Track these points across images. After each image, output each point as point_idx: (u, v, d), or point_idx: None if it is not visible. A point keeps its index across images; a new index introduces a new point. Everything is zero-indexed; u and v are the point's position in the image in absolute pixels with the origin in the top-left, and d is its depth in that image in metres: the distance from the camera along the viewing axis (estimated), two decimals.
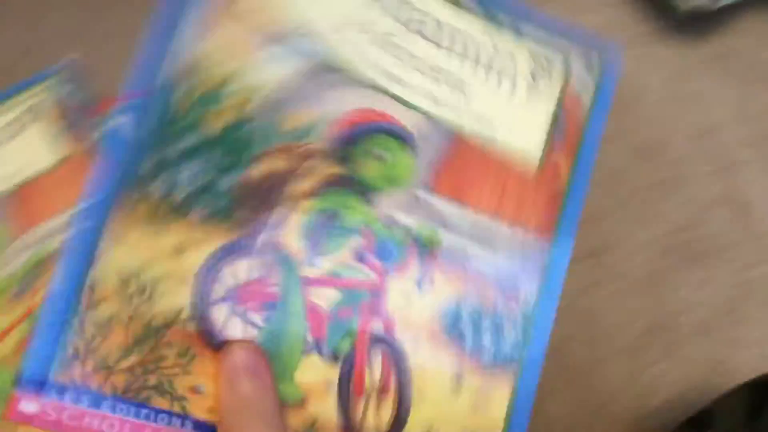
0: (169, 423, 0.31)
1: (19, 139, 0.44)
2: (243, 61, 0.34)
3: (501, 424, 0.37)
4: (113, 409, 0.30)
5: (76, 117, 0.44)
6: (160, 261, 0.32)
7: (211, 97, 0.33)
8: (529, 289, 0.38)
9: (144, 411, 0.30)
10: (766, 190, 0.58)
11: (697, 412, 0.44)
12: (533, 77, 0.40)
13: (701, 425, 0.42)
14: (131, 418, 0.30)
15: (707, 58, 0.61)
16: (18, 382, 0.29)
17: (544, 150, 0.40)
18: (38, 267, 0.39)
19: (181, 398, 0.31)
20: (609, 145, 0.48)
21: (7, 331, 0.38)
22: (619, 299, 0.53)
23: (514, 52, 0.40)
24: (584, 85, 0.41)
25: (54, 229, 0.41)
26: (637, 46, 0.60)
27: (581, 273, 0.52)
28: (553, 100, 0.40)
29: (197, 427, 0.31)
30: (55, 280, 0.30)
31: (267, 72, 0.35)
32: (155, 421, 0.30)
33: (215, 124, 0.33)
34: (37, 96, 0.44)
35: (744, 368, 0.51)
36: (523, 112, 0.39)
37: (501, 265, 0.37)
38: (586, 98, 0.41)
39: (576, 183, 0.40)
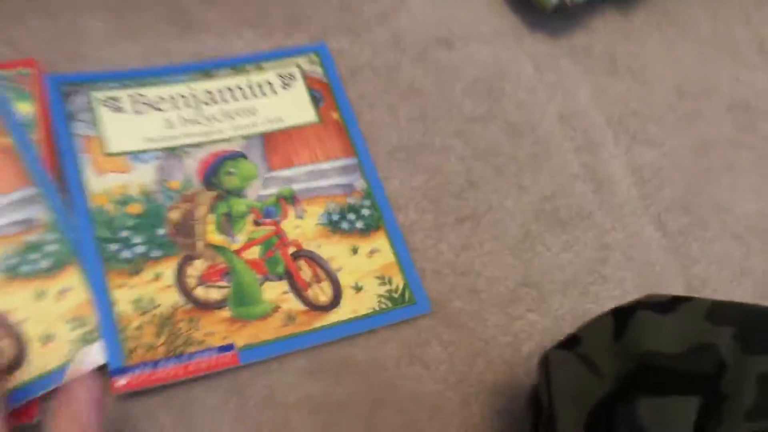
0: (201, 356, 0.50)
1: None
2: (125, 175, 0.56)
3: (395, 260, 0.58)
4: (167, 363, 0.50)
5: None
6: (149, 286, 0.52)
7: (126, 200, 0.55)
8: (360, 184, 0.60)
9: (184, 357, 0.50)
10: (621, 167, 0.67)
11: (566, 337, 0.46)
12: (285, 85, 0.64)
13: (570, 346, 0.45)
14: (178, 364, 0.50)
15: (570, 51, 0.72)
16: (109, 372, 0.48)
17: (317, 113, 0.63)
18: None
19: (201, 342, 0.51)
20: (486, 124, 0.66)
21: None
22: (496, 258, 0.60)
23: (265, 79, 0.64)
24: (315, 71, 0.65)
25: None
26: (510, 38, 0.71)
27: (462, 233, 0.61)
28: (304, 88, 0.64)
29: (220, 350, 0.51)
30: (99, 318, 0.50)
31: (143, 173, 0.57)
32: (192, 358, 0.50)
33: (133, 211, 0.55)
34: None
35: None
36: (291, 103, 0.63)
37: (336, 182, 0.60)
38: (323, 78, 0.65)
39: (348, 120, 0.64)
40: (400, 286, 0.57)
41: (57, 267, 0.51)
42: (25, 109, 0.57)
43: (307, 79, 0.65)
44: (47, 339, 0.49)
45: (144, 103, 0.60)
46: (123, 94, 0.60)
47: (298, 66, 0.65)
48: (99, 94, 0.59)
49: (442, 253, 0.60)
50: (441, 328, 0.57)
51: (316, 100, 0.64)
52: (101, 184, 0.55)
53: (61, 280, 0.51)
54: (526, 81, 0.70)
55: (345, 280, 0.56)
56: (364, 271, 0.57)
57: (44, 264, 0.51)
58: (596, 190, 0.66)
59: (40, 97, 0.58)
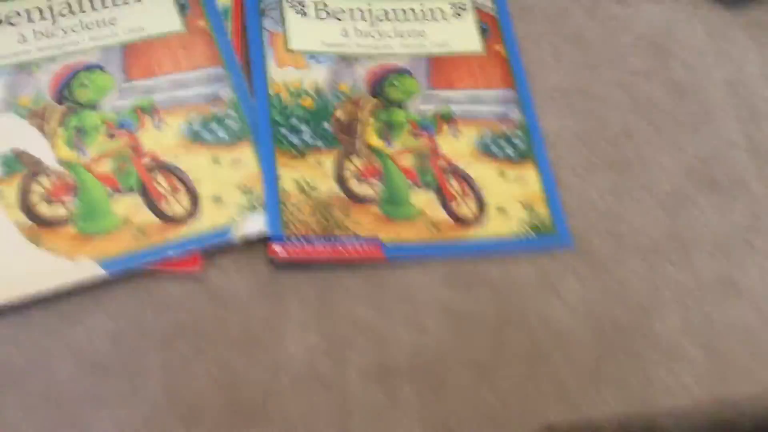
0: (350, 241, 0.53)
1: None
2: (301, 72, 0.60)
3: (541, 191, 0.59)
4: (319, 241, 0.53)
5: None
6: (311, 171, 0.56)
7: (300, 93, 0.59)
8: (516, 117, 0.62)
9: (334, 239, 0.53)
10: None
11: None
12: (456, 14, 0.66)
13: None
14: (328, 244, 0.53)
15: (745, 23, 0.71)
16: (269, 238, 0.52)
17: (483, 44, 0.65)
18: (137, 113, 0.55)
19: (350, 229, 0.54)
20: (649, 79, 0.66)
21: (104, 156, 0.53)
22: (643, 207, 0.60)
23: (438, 5, 0.66)
24: (485, 5, 0.67)
25: (160, 85, 0.57)
26: (689, 4, 0.71)
27: (611, 178, 0.61)
28: (473, 19, 0.66)
29: (367, 240, 0.54)
30: (265, 190, 0.54)
31: (317, 73, 0.60)
32: (343, 242, 0.53)
33: (305, 104, 0.58)
34: None
35: (756, 286, 0.58)
36: (459, 31, 0.65)
37: (493, 110, 0.62)
38: (493, 12, 0.67)
39: (511, 54, 0.65)
40: (545, 217, 0.58)
41: (233, 139, 0.56)
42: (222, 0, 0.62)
43: (478, 11, 0.67)
44: (217, 200, 0.53)
45: (326, 11, 0.63)
46: (308, 0, 0.63)
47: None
48: None
49: (587, 193, 0.61)
50: (578, 263, 0.58)
51: (483, 32, 0.65)
52: (281, 75, 0.59)
53: (236, 151, 0.55)
54: (695, 44, 0.69)
55: (491, 199, 0.58)
56: (509, 195, 0.58)
57: (223, 135, 0.56)
58: (756, 160, 0.65)
59: None
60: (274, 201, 0.54)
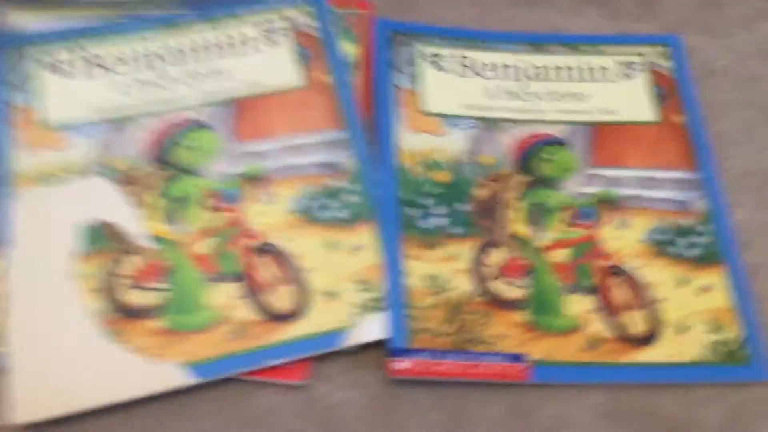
0: (490, 359, 0.42)
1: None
2: (436, 139, 0.50)
3: (731, 304, 0.46)
4: (452, 357, 0.42)
5: (309, 51, 0.51)
6: (444, 265, 0.45)
7: (434, 165, 0.49)
8: (698, 205, 0.50)
9: (471, 355, 0.42)
10: None
11: None
12: (624, 74, 0.55)
13: None
14: (464, 361, 0.42)
15: None
16: (389, 351, 0.42)
17: (657, 112, 0.53)
18: (243, 184, 0.47)
19: (493, 343, 0.43)
20: None
21: (204, 235, 0.45)
22: None
23: (600, 64, 0.55)
24: (661, 65, 0.55)
25: (273, 150, 0.48)
26: None
27: None
28: (645, 82, 0.55)
29: (507, 358, 0.43)
30: (388, 287, 0.44)
31: (456, 140, 0.50)
32: (480, 359, 0.42)
33: (440, 179, 0.48)
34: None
35: None
36: (627, 95, 0.54)
37: (668, 196, 0.50)
38: (671, 74, 0.55)
39: (694, 126, 0.53)
40: (735, 340, 0.45)
41: (353, 220, 0.46)
42: (349, 49, 0.53)
43: (652, 72, 0.55)
44: (331, 295, 0.44)
45: (468, 66, 0.54)
46: (448, 53, 0.54)
47: (641, 56, 0.56)
48: (425, 49, 0.54)
49: None
50: None
51: (658, 97, 0.54)
52: (411, 143, 0.50)
53: (355, 235, 0.46)
54: None
55: (668, 314, 0.46)
56: (691, 310, 0.46)
57: (341, 214, 0.46)
58: None
59: (366, 40, 0.53)
60: (398, 303, 0.44)
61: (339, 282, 0.44)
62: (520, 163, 0.50)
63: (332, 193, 0.47)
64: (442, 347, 0.43)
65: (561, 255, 0.47)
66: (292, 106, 0.50)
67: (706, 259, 0.48)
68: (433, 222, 0.47)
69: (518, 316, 0.45)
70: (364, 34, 0.54)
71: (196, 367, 0.41)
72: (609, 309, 0.46)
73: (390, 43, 0.54)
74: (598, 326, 0.45)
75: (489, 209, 0.48)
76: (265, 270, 0.44)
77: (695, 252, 0.48)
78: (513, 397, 0.44)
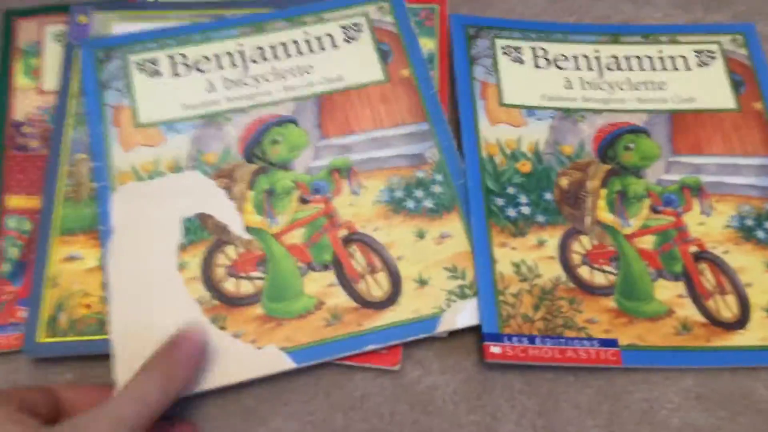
0: (581, 344, 0.43)
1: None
2: (517, 130, 0.51)
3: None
4: (543, 342, 0.43)
5: (389, 46, 0.53)
6: (531, 252, 0.46)
7: (516, 155, 0.49)
8: None
9: (562, 340, 0.43)
10: None
11: None
12: (701, 62, 0.55)
13: None
14: (556, 346, 0.43)
15: None
16: (483, 336, 0.43)
17: (736, 100, 0.53)
18: (333, 175, 0.48)
19: (582, 328, 0.44)
20: None
21: (296, 225, 0.46)
22: None
23: (679, 53, 0.55)
24: (738, 53, 0.55)
25: (358, 143, 0.49)
26: None
27: None
28: (723, 69, 0.55)
29: (601, 343, 0.43)
30: (478, 274, 0.45)
31: (536, 131, 0.51)
32: (571, 344, 0.43)
33: (523, 168, 0.49)
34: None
35: None
36: (705, 83, 0.54)
37: (754, 183, 0.50)
38: (747, 62, 0.55)
39: None
40: None
41: (440, 209, 0.47)
42: (427, 45, 0.54)
43: (728, 60, 0.55)
44: (422, 282, 0.45)
45: (545, 59, 0.54)
46: (525, 46, 0.55)
47: (719, 44, 0.55)
48: (501, 42, 0.54)
49: None
50: None
51: (736, 85, 0.54)
52: (494, 133, 0.50)
53: (442, 224, 0.47)
54: None
55: (756, 298, 0.46)
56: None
57: (428, 203, 0.47)
58: None
59: (443, 35, 0.55)
60: (488, 289, 0.45)
61: (429, 270, 0.45)
62: (601, 151, 0.51)
63: (418, 184, 0.48)
64: (534, 332, 0.43)
65: (647, 241, 0.47)
66: (375, 101, 0.51)
67: None
68: (518, 210, 0.48)
69: (607, 302, 0.45)
70: (440, 29, 0.55)
71: (294, 352, 0.42)
72: (698, 294, 0.46)
73: (467, 37, 0.54)
74: (688, 311, 0.45)
75: (572, 197, 0.49)
76: (356, 259, 0.46)
77: None
78: (603, 382, 0.44)
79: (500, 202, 0.48)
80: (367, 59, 0.53)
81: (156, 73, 0.52)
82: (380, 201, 0.47)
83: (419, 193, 0.48)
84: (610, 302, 0.45)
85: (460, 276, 0.45)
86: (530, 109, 0.52)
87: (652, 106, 0.53)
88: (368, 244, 0.46)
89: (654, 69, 0.54)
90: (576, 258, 0.46)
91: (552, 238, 0.47)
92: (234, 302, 0.44)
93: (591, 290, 0.45)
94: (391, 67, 0.53)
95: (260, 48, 0.53)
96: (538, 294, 0.45)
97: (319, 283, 0.45)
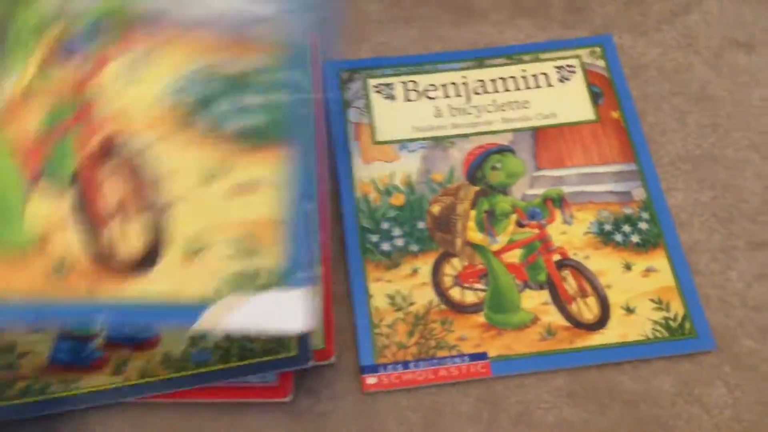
0: (453, 361, 0.47)
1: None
2: (390, 165, 0.55)
3: (674, 283, 0.51)
4: (417, 366, 0.47)
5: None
6: (405, 282, 0.50)
7: (390, 190, 0.54)
8: (638, 194, 0.54)
9: (435, 360, 0.47)
10: None
11: None
12: (562, 78, 0.59)
13: None
14: (429, 367, 0.47)
15: None
16: (361, 369, 0.47)
17: (595, 111, 0.58)
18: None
19: (454, 346, 0.48)
20: None
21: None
22: None
23: (541, 70, 0.59)
24: (596, 65, 0.60)
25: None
26: None
27: (757, 261, 0.52)
28: (583, 83, 0.59)
29: (472, 357, 0.48)
30: (356, 310, 0.49)
31: (409, 163, 0.55)
32: (444, 363, 0.47)
33: (396, 202, 0.53)
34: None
35: None
36: (567, 98, 0.58)
37: (611, 188, 0.54)
38: (606, 73, 0.59)
39: (630, 120, 0.57)
40: (679, 315, 0.50)
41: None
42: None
43: (588, 73, 0.59)
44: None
45: (415, 91, 0.58)
46: (396, 81, 0.59)
47: (578, 58, 0.60)
48: (373, 81, 0.59)
49: (730, 281, 0.52)
50: (726, 368, 0.49)
51: (595, 97, 0.58)
52: (368, 172, 0.55)
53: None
54: None
55: (614, 298, 0.50)
56: (637, 292, 0.50)
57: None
58: None
59: (317, 77, 0.58)
60: (365, 325, 0.49)
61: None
62: (471, 174, 0.55)
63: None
64: (408, 358, 0.48)
65: (514, 255, 0.52)
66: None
67: (648, 244, 0.52)
68: (392, 243, 0.52)
69: (478, 318, 0.49)
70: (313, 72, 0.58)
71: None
72: (561, 299, 0.50)
73: (340, 81, 0.58)
74: (552, 317, 0.50)
75: (444, 222, 0.53)
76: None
77: (637, 238, 0.52)
78: (481, 390, 0.48)
79: (375, 238, 0.52)
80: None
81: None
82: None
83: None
84: (480, 318, 0.49)
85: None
86: (402, 143, 0.56)
87: (516, 125, 0.57)
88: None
89: (518, 88, 0.59)
90: (448, 280, 0.51)
91: (425, 265, 0.51)
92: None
93: (462, 309, 0.50)
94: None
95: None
96: (412, 321, 0.49)
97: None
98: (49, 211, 0.34)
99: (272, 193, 0.38)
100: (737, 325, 0.50)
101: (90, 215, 0.33)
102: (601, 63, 0.60)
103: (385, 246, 0.51)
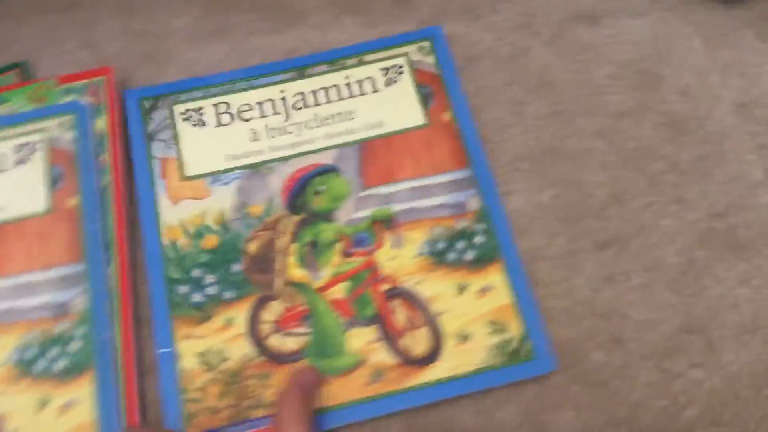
0: (265, 423, 0.43)
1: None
2: (201, 203, 0.50)
3: (512, 301, 0.47)
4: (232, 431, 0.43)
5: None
6: (218, 336, 0.46)
7: (201, 232, 0.49)
8: (473, 203, 0.50)
9: (248, 423, 0.43)
10: None
11: None
12: (389, 80, 0.54)
13: None
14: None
15: (753, 19, 0.56)
16: None
17: (425, 114, 0.53)
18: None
19: (271, 404, 0.44)
20: (638, 120, 0.52)
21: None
22: (648, 294, 0.48)
23: (366, 74, 0.54)
24: (425, 62, 0.55)
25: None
26: (673, 7, 0.56)
27: (605, 262, 0.49)
28: (411, 84, 0.54)
29: None
30: (162, 375, 0.44)
31: (222, 198, 0.50)
32: (259, 425, 0.43)
33: (208, 245, 0.48)
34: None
35: None
36: (395, 102, 0.53)
37: (444, 201, 0.50)
38: (435, 70, 0.54)
39: (462, 121, 0.53)
40: (517, 336, 0.46)
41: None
42: (98, 125, 0.52)
43: (416, 72, 0.54)
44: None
45: (228, 113, 0.53)
46: (207, 104, 0.53)
47: (406, 56, 0.55)
48: (180, 107, 0.53)
49: (576, 289, 0.48)
50: (575, 388, 0.46)
51: (425, 98, 0.53)
52: (176, 214, 0.49)
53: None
54: (693, 61, 0.55)
55: (448, 326, 0.46)
56: (472, 316, 0.46)
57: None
58: None
59: (113, 111, 0.52)
60: (172, 391, 0.44)
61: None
62: (291, 202, 0.50)
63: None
64: (220, 424, 0.43)
65: (339, 290, 0.47)
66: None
67: (484, 259, 0.48)
68: (204, 293, 0.47)
69: (299, 367, 0.45)
70: (109, 104, 0.52)
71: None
72: (391, 335, 0.46)
73: (142, 111, 0.53)
74: (380, 356, 0.46)
75: (262, 261, 0.48)
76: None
77: (472, 254, 0.48)
78: None
79: (184, 289, 0.47)
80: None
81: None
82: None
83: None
84: (303, 366, 0.45)
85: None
86: (215, 175, 0.51)
87: (341, 140, 0.52)
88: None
89: (342, 98, 0.54)
90: (265, 328, 0.46)
91: (241, 314, 0.46)
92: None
93: (282, 359, 0.45)
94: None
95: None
96: (226, 380, 0.44)
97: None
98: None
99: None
100: (585, 338, 0.47)
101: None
102: (431, 59, 0.55)
103: (196, 297, 0.47)
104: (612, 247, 0.49)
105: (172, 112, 0.53)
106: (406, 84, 0.54)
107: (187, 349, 0.45)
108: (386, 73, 0.55)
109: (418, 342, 0.46)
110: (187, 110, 0.53)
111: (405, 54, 0.55)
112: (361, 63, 0.55)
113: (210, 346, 0.45)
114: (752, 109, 0.53)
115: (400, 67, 0.55)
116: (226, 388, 0.44)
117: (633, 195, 0.51)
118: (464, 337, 0.46)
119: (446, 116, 0.53)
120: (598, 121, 0.53)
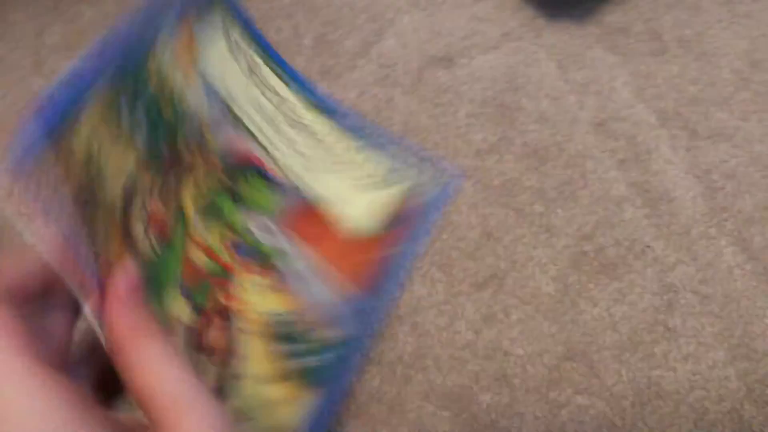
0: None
1: None
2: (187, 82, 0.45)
3: None
4: None
5: None
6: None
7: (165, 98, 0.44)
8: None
9: None
10: (681, 175, 0.52)
11: None
12: (386, 182, 0.53)
13: None
14: None
15: (602, 34, 0.58)
16: None
17: (385, 228, 0.52)
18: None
19: None
20: (500, 155, 0.54)
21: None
22: (528, 328, 0.48)
23: (366, 161, 0.53)
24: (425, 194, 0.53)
25: None
26: (524, 35, 0.58)
27: (483, 301, 0.50)
28: (398, 198, 0.52)
29: None
30: None
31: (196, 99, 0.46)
32: None
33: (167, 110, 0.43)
34: None
35: (679, 390, 0.46)
36: (367, 201, 0.52)
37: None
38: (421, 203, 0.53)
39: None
40: None
41: None
42: None
43: None
44: None
45: None
46: None
47: None
48: None
49: (459, 333, 0.50)
50: None
51: None
52: None
53: None
54: (548, 86, 0.57)
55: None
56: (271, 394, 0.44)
57: None
58: (651, 213, 0.52)
59: None
60: None
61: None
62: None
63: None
64: None
65: (199, 256, 0.42)
66: None
67: None
68: None
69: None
70: None
71: None
72: (195, 342, 0.43)
73: None
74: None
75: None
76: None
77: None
78: None
79: None
80: None
81: None
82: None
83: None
84: None
85: None
86: None
87: None
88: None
89: None
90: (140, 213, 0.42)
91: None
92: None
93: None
94: None
95: None
96: None
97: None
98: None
99: None
100: (472, 382, 0.49)
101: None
102: None
103: None
104: (490, 286, 0.51)
105: None
106: None
107: None
108: None
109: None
110: None
111: None
112: None
113: None
114: (610, 125, 0.55)
115: None
116: None
117: (504, 231, 0.52)
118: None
119: None
120: (463, 162, 0.55)
